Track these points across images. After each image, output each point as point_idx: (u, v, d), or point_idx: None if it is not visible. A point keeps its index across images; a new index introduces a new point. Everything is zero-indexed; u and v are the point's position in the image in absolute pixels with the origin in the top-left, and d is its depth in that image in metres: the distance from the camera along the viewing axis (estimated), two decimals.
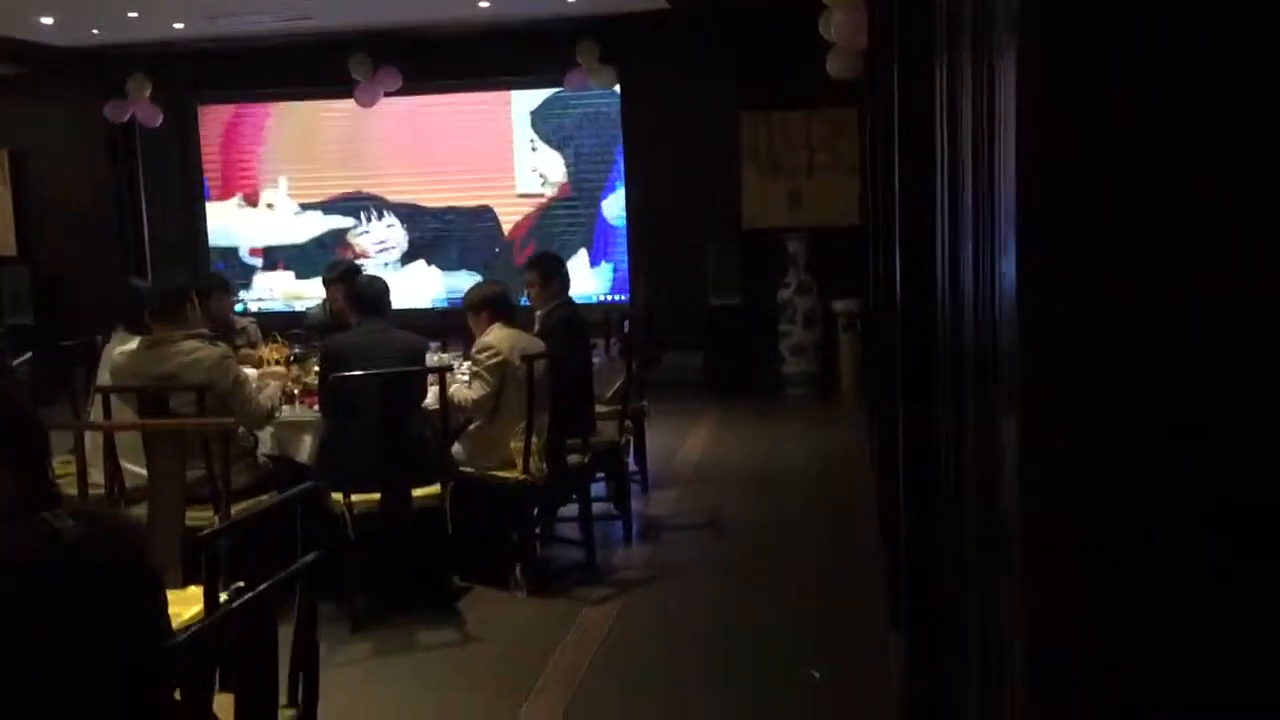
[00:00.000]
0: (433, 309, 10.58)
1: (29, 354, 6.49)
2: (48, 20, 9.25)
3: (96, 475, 4.47)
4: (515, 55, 10.26)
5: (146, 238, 11.46)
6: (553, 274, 5.81)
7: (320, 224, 11.39)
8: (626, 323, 6.29)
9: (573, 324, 5.71)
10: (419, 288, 11.08)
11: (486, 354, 5.18)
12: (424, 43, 10.27)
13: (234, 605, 2.12)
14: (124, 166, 11.34)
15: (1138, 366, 1.10)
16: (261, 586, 2.17)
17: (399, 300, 10.07)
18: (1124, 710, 1.15)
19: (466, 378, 5.32)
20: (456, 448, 5.25)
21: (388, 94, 10.60)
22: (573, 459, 5.41)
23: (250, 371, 5.17)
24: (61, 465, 4.62)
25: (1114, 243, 1.10)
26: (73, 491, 3.91)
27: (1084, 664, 1.15)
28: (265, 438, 5.07)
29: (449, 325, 7.01)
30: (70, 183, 11.16)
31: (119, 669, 2.09)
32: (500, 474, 5.14)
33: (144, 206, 11.45)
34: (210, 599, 2.42)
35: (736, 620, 4.98)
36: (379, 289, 5.23)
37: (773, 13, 8.91)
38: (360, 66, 10.41)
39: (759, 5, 9.12)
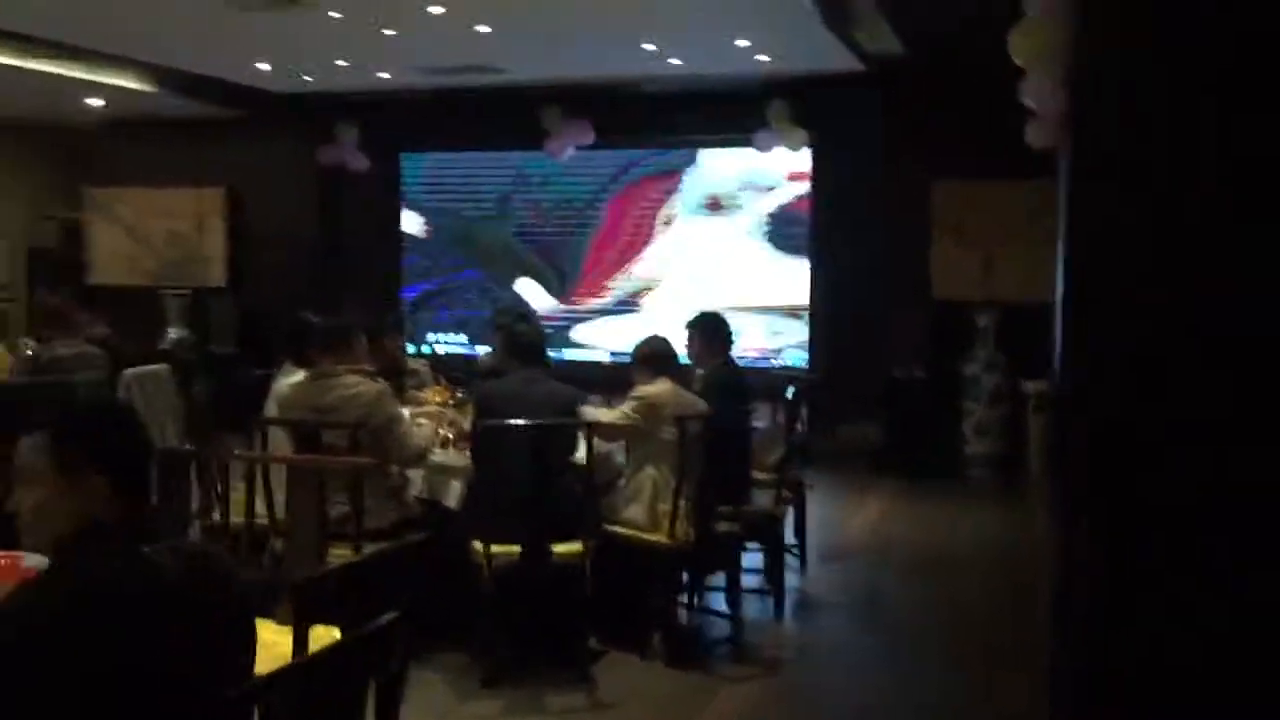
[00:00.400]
0: (610, 363, 10.57)
1: (212, 380, 6.71)
2: (265, 67, 9.73)
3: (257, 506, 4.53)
4: (705, 112, 10.23)
5: (347, 278, 11.89)
6: (714, 334, 5.66)
7: None
8: (791, 388, 6.05)
9: (733, 385, 5.54)
10: (610, 338, 11.12)
11: (638, 401, 5.08)
12: (614, 98, 10.36)
13: (307, 655, 2.01)
14: (331, 208, 11.83)
15: (1137, 370, 1.13)
16: (331, 641, 2.06)
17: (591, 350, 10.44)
18: (1121, 710, 1.19)
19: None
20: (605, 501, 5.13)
21: (580, 148, 10.72)
22: (723, 527, 5.21)
23: (405, 411, 5.17)
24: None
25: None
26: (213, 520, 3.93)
27: (1080, 663, 1.19)
28: (416, 479, 5.04)
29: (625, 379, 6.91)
30: (281, 221, 11.70)
31: (192, 714, 2.00)
32: (645, 536, 4.98)
33: (346, 248, 11.89)
34: (300, 646, 2.34)
35: (885, 710, 4.67)
36: (534, 337, 5.17)
37: (971, 77, 8.57)
38: (553, 119, 10.57)
39: (957, 69, 8.82)
